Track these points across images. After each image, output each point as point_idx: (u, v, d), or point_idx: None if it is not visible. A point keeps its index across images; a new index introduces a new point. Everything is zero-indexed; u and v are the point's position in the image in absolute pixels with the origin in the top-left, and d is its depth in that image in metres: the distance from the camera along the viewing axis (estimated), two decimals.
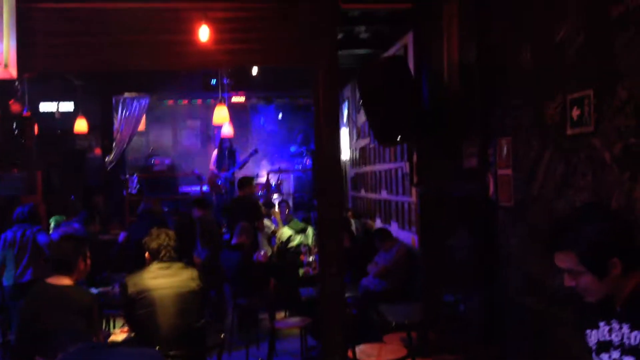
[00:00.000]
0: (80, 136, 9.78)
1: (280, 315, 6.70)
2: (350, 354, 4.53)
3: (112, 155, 10.29)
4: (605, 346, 2.00)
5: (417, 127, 4.71)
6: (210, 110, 9.71)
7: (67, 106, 10.10)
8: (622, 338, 1.93)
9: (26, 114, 8.56)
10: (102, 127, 10.28)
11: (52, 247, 5.10)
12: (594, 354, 2.05)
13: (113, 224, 8.79)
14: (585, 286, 1.97)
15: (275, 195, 11.31)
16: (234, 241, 6.82)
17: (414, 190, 6.35)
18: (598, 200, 2.84)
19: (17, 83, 8.22)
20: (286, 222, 8.27)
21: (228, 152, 10.46)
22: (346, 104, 10.43)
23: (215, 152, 10.62)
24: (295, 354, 6.11)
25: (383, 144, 6.90)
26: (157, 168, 11.99)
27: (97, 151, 10.47)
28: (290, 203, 10.57)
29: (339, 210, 4.98)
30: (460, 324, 4.67)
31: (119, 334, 4.38)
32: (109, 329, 5.83)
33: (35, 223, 5.99)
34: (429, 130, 4.92)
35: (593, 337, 2.06)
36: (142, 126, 10.87)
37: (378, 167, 8.22)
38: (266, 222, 8.33)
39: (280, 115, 13.29)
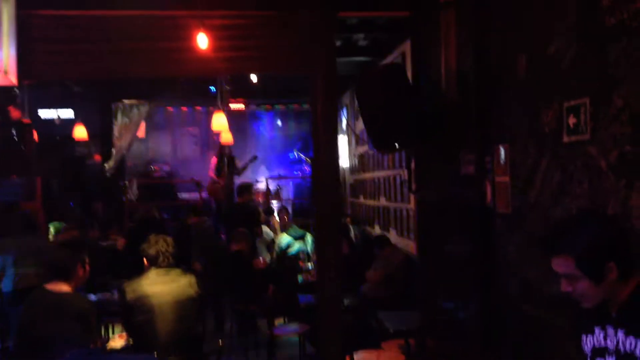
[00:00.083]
0: (79, 143, 9.80)
1: (278, 321, 6.69)
2: None
3: (111, 162, 10.30)
4: (600, 352, 2.01)
5: (415, 134, 4.71)
6: (209, 117, 9.74)
7: (67, 113, 10.12)
8: (617, 344, 1.94)
9: (26, 120, 8.56)
10: (101, 134, 10.30)
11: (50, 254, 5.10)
12: None
13: (112, 230, 8.79)
14: (582, 291, 1.98)
15: (274, 202, 11.32)
16: (231, 247, 6.82)
17: (412, 197, 6.36)
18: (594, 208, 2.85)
19: (16, 89, 8.23)
20: (285, 229, 8.27)
21: (227, 159, 10.47)
22: (345, 111, 10.45)
23: (214, 159, 10.63)
24: None
25: (381, 151, 6.93)
26: (157, 174, 12.01)
27: (97, 158, 10.49)
28: (290, 210, 10.59)
29: (337, 216, 4.99)
30: (458, 330, 4.67)
31: (117, 340, 4.37)
32: (107, 335, 5.82)
33: (30, 232, 5.97)
34: (426, 138, 4.92)
35: (589, 343, 2.07)
36: (141, 133, 10.88)
37: (377, 174, 8.24)
38: (265, 229, 8.34)
39: (279, 122, 13.32)
